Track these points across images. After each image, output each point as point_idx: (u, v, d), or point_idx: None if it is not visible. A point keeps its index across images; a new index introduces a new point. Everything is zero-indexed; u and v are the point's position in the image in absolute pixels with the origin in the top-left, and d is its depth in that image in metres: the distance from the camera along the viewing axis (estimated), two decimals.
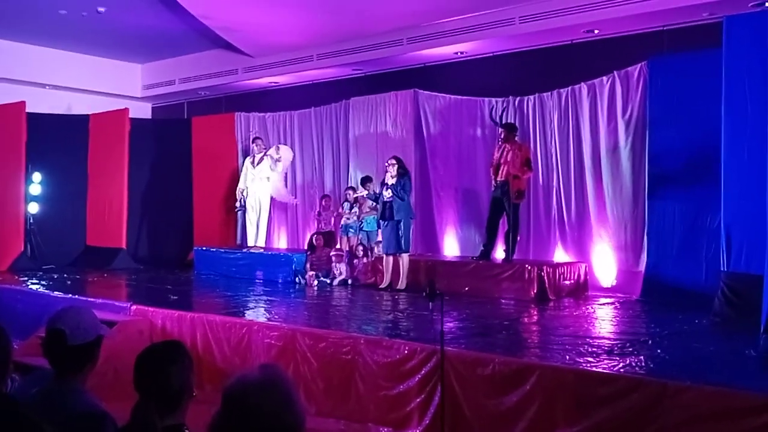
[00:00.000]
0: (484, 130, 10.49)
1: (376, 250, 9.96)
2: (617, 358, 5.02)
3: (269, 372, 1.77)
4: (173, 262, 12.81)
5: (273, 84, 13.45)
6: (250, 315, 7.34)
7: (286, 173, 12.21)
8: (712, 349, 5.62)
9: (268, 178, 11.42)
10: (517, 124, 9.87)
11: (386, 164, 9.28)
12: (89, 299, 8.27)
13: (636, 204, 9.07)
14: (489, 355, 5.12)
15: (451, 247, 10.87)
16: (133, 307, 7.68)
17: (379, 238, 10.22)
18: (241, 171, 11.92)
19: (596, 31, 9.56)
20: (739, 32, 6.95)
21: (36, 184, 12.50)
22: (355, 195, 10.59)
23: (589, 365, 4.83)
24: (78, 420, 2.42)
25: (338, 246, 10.65)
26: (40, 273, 11.24)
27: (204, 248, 11.82)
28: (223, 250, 11.50)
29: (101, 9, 11.08)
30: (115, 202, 12.38)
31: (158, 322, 7.33)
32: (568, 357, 5.10)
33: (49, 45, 13.25)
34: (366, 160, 11.68)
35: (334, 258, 10.00)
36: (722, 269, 6.97)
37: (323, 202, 11.50)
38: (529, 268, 8.48)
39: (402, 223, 8.94)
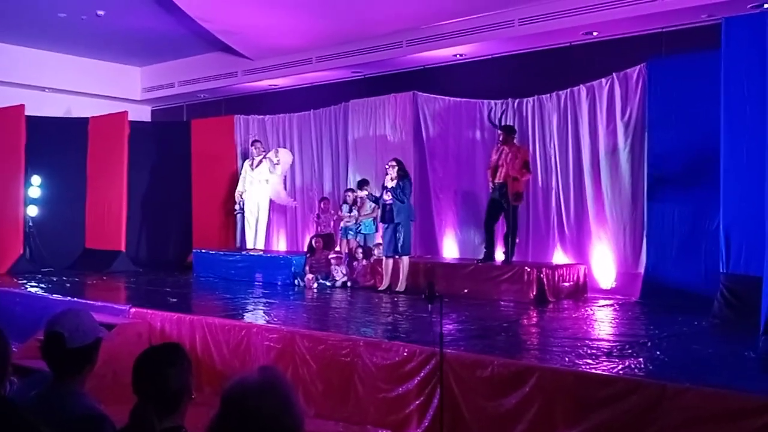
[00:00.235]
0: (484, 133, 10.50)
1: (375, 252, 9.96)
2: (616, 360, 5.02)
3: (268, 374, 1.78)
4: (172, 265, 12.81)
5: (272, 87, 13.46)
6: (249, 317, 7.33)
7: (285, 176, 12.21)
8: (712, 350, 5.61)
9: (266, 180, 11.42)
10: (516, 126, 9.89)
11: (386, 166, 9.28)
12: (88, 302, 8.25)
13: (635, 206, 9.07)
14: (488, 357, 5.12)
15: (450, 249, 10.87)
16: (132, 310, 7.68)
17: (378, 241, 10.24)
18: (241, 174, 11.93)
19: (595, 33, 9.58)
20: (738, 34, 6.96)
21: (35, 187, 12.50)
22: (355, 195, 10.58)
23: (588, 367, 4.82)
24: (77, 422, 2.42)
25: (337, 248, 10.65)
26: (39, 276, 11.23)
27: (203, 251, 11.82)
28: (222, 253, 11.50)
29: (100, 12, 11.09)
30: (114, 204, 12.38)
31: (157, 324, 7.33)
32: (567, 359, 5.10)
33: (49, 48, 13.26)
34: (365, 163, 11.69)
35: (333, 261, 10.01)
36: (721, 271, 6.97)
37: (322, 205, 11.50)
38: (529, 270, 8.48)
39: (402, 226, 8.94)
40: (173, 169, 13.31)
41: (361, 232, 10.55)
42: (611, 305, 8.25)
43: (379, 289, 9.25)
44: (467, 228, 10.69)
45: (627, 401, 4.33)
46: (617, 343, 5.75)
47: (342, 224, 10.73)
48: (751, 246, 6.71)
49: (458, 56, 10.98)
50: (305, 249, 11.00)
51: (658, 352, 5.36)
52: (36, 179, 12.49)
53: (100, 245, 12.56)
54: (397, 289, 9.01)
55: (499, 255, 9.32)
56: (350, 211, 10.63)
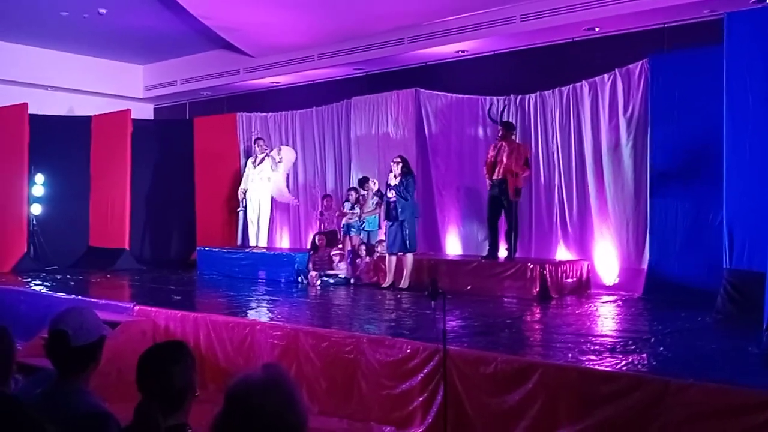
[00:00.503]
0: (486, 129, 10.50)
1: (378, 249, 9.96)
2: (620, 356, 5.03)
3: (272, 372, 1.78)
4: (176, 263, 12.84)
5: (275, 84, 13.46)
6: (252, 315, 7.35)
7: (288, 173, 12.22)
8: (715, 346, 5.61)
9: (269, 178, 11.43)
10: (518, 123, 9.92)
11: (391, 163, 9.28)
12: (92, 300, 8.28)
13: (638, 201, 9.07)
14: (491, 353, 5.12)
15: (453, 245, 10.87)
16: (136, 308, 7.69)
17: (381, 238, 10.25)
18: (244, 171, 11.94)
19: (597, 29, 9.56)
20: (740, 29, 6.94)
21: (39, 186, 12.53)
22: (357, 195, 10.58)
23: (591, 363, 4.83)
24: (81, 420, 2.42)
25: (340, 245, 10.66)
26: (43, 274, 11.26)
27: (207, 248, 11.84)
28: (225, 250, 11.52)
29: (102, 10, 11.10)
30: (118, 202, 12.39)
31: (161, 322, 7.34)
32: (570, 355, 5.10)
33: (51, 47, 13.27)
34: (367, 160, 11.69)
35: (335, 257, 10.01)
36: (725, 266, 6.96)
37: (325, 202, 11.51)
38: (532, 266, 8.48)
39: (406, 223, 8.94)
40: (176, 167, 13.33)
41: (365, 229, 10.55)
42: (614, 301, 8.25)
43: (383, 286, 9.26)
44: (470, 224, 10.69)
45: (630, 397, 4.33)
46: (620, 339, 5.75)
47: (345, 221, 10.74)
48: (754, 241, 6.70)
49: (460, 53, 10.97)
50: (308, 246, 11.00)
51: (661, 348, 5.36)
52: (39, 177, 12.52)
53: (103, 243, 12.58)
54: (400, 286, 9.02)
55: (503, 251, 9.32)
56: (352, 208, 10.64)
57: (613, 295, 8.72)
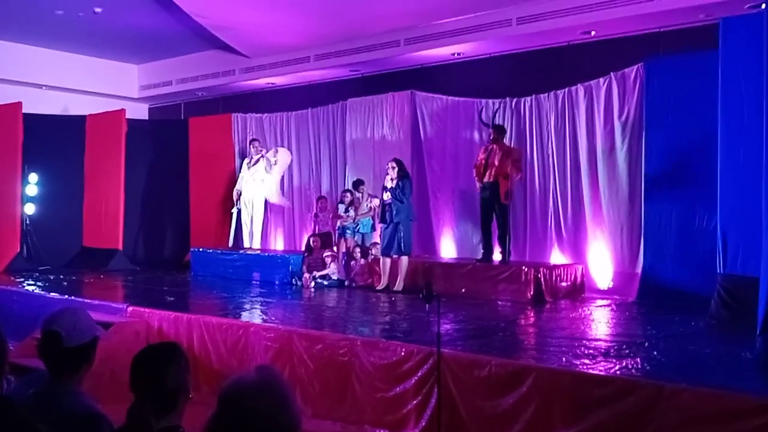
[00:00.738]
0: (481, 132, 10.50)
1: (372, 251, 9.95)
2: (614, 360, 5.03)
3: (265, 374, 1.77)
4: (170, 264, 12.81)
5: (270, 85, 13.45)
6: (246, 316, 7.33)
7: (282, 175, 12.20)
8: (708, 351, 5.62)
9: (262, 179, 11.41)
10: (513, 126, 9.97)
11: (387, 166, 9.28)
12: (85, 300, 8.26)
13: (632, 206, 9.08)
14: (486, 356, 5.12)
15: (447, 248, 10.87)
16: (130, 309, 7.67)
17: (375, 240, 10.25)
18: (239, 172, 11.93)
19: (593, 33, 9.58)
20: (736, 34, 6.96)
21: (32, 185, 12.49)
22: (352, 198, 10.57)
23: (585, 367, 4.83)
24: (74, 421, 2.41)
25: (335, 247, 10.65)
26: (37, 274, 11.22)
27: (201, 249, 11.81)
28: (219, 252, 11.50)
29: (98, 9, 11.08)
30: (112, 203, 12.35)
31: (155, 323, 7.32)
32: (564, 359, 5.10)
33: (46, 45, 13.24)
34: (363, 162, 11.69)
35: (326, 258, 9.99)
36: (718, 271, 6.97)
37: (319, 204, 11.49)
38: (526, 269, 8.48)
39: (401, 226, 8.94)
40: (171, 168, 13.30)
41: (359, 231, 10.55)
42: (608, 305, 8.26)
43: (377, 288, 9.25)
44: (465, 227, 10.69)
45: (624, 401, 4.34)
46: (614, 344, 5.76)
47: (339, 223, 10.73)
48: (748, 246, 6.71)
49: (456, 55, 10.98)
50: (303, 248, 10.99)
51: (655, 353, 5.36)
52: (33, 177, 12.48)
53: (97, 243, 12.54)
54: (394, 289, 9.02)
55: (498, 255, 9.32)
56: (346, 211, 10.63)
57: (607, 299, 8.73)
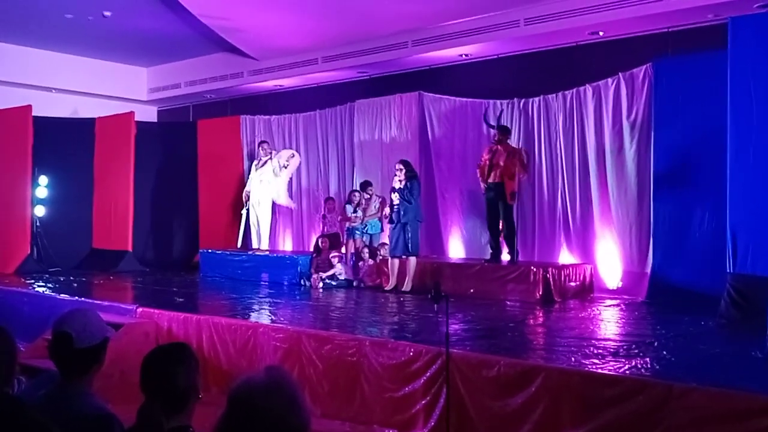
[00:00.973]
0: (489, 132, 10.49)
1: (381, 252, 9.96)
2: (623, 360, 5.02)
3: (275, 374, 1.78)
4: (179, 265, 12.86)
5: (278, 87, 13.48)
6: (255, 317, 7.35)
7: (291, 177, 12.21)
8: (718, 350, 5.61)
9: (269, 181, 11.43)
10: (521, 126, 9.97)
11: (395, 168, 9.29)
12: (95, 302, 8.29)
13: (641, 205, 9.05)
14: (494, 356, 5.12)
15: (456, 248, 10.87)
16: (139, 310, 7.70)
17: (383, 241, 10.26)
18: (249, 174, 11.97)
19: (601, 33, 9.56)
20: (745, 33, 6.93)
21: (42, 187, 12.55)
22: (360, 198, 10.59)
23: (594, 367, 4.82)
24: (85, 422, 2.43)
25: (343, 248, 10.67)
26: (47, 275, 11.28)
27: (210, 251, 11.84)
28: (228, 253, 11.52)
29: (107, 13, 11.13)
30: (121, 204, 12.41)
31: (164, 324, 7.35)
32: (573, 359, 5.09)
33: (56, 49, 13.31)
34: (371, 163, 11.70)
35: (333, 259, 10.00)
36: (728, 271, 6.94)
37: (327, 205, 11.51)
38: (535, 269, 8.47)
39: (409, 226, 8.95)
40: (180, 169, 13.35)
41: (367, 232, 10.56)
42: (617, 305, 8.24)
43: (386, 288, 9.26)
44: (473, 228, 10.69)
45: (633, 401, 4.33)
46: (624, 343, 5.75)
47: (348, 224, 10.75)
48: (758, 246, 6.69)
49: (464, 56, 10.98)
50: (311, 249, 11.01)
51: (664, 352, 5.35)
52: (43, 179, 12.54)
53: (107, 245, 12.60)
54: (403, 289, 9.02)
55: (506, 255, 9.32)
56: (355, 211, 10.65)
57: (616, 299, 8.71)
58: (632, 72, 9.11)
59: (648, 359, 5.06)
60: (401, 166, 9.15)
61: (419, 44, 10.89)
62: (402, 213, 8.97)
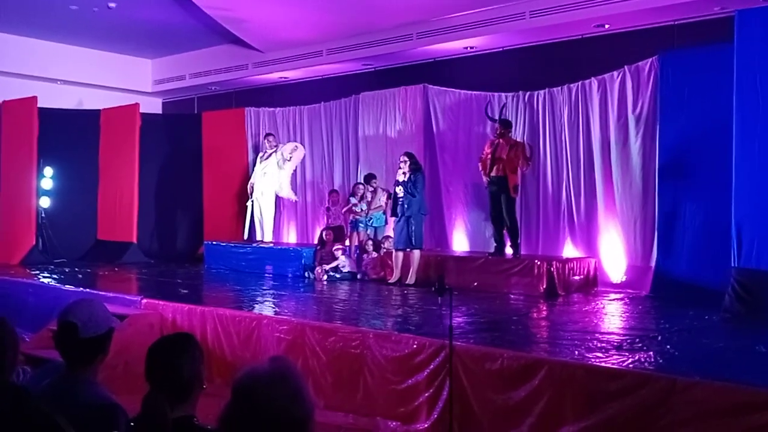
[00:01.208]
0: (494, 125, 10.47)
1: (385, 245, 9.97)
2: (627, 354, 5.02)
3: (279, 365, 1.79)
4: (183, 256, 12.89)
5: (283, 79, 13.46)
6: (259, 309, 7.37)
7: (295, 169, 12.21)
8: (722, 345, 5.60)
9: (272, 173, 11.42)
10: (526, 119, 9.96)
11: (399, 160, 9.28)
12: (100, 293, 8.31)
13: (646, 199, 9.03)
14: (498, 349, 5.12)
15: (460, 242, 10.87)
16: (144, 301, 7.73)
17: (387, 234, 10.26)
18: (254, 166, 11.98)
19: (607, 26, 9.52)
20: (751, 26, 6.91)
21: (47, 179, 12.57)
22: (364, 191, 10.59)
23: (598, 360, 4.82)
24: (89, 411, 2.44)
25: (347, 240, 10.68)
26: (52, 267, 11.31)
27: (214, 242, 11.87)
28: (233, 245, 11.55)
29: (112, 4, 11.12)
30: (126, 196, 12.45)
31: (168, 315, 7.37)
32: (577, 352, 5.10)
33: (61, 40, 13.31)
34: (375, 155, 11.69)
35: (336, 252, 10.01)
36: (733, 265, 6.94)
37: (332, 197, 11.52)
38: (539, 263, 8.47)
39: (412, 219, 8.95)
40: (184, 161, 13.37)
41: (372, 224, 10.57)
42: (621, 299, 8.24)
43: (389, 281, 9.27)
44: (477, 221, 10.67)
45: (637, 395, 4.33)
46: (627, 337, 5.74)
47: (352, 217, 10.75)
48: (763, 240, 6.68)
49: (469, 49, 10.94)
50: (315, 241, 11.02)
51: (668, 346, 5.34)
52: (48, 171, 12.56)
53: (111, 237, 12.63)
54: (407, 282, 9.03)
55: (510, 248, 9.31)
56: (358, 205, 10.64)
57: (620, 292, 8.70)
58: (638, 65, 9.08)
59: (652, 353, 5.05)
60: (405, 158, 9.14)
61: (424, 36, 10.86)
62: (406, 206, 8.97)
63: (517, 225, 9.22)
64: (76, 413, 2.35)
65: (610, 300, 8.16)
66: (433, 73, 11.42)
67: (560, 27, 9.64)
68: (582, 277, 8.86)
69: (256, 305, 7.67)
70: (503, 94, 10.35)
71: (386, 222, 10.55)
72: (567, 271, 8.63)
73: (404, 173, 9.04)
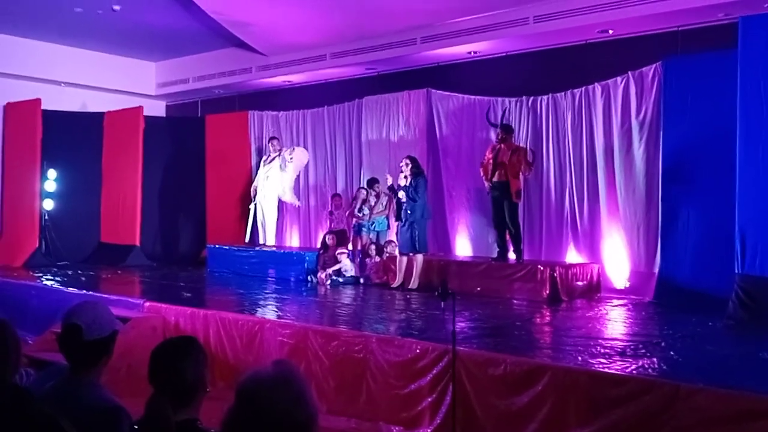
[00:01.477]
0: (497, 130, 10.48)
1: (387, 249, 9.96)
2: (630, 360, 5.01)
3: (282, 368, 1.78)
4: (186, 260, 12.90)
5: (286, 83, 13.48)
6: (262, 313, 7.36)
7: (299, 173, 12.22)
8: (726, 351, 5.59)
9: (275, 177, 11.43)
10: (529, 125, 9.97)
11: (400, 164, 9.28)
12: (103, 295, 8.33)
13: (649, 205, 9.02)
14: (501, 355, 5.12)
15: (463, 247, 10.86)
16: (147, 304, 7.73)
17: (390, 238, 10.26)
18: (258, 169, 12.00)
19: (611, 32, 9.52)
20: (755, 33, 6.90)
21: (51, 181, 12.60)
22: (367, 195, 10.60)
23: (601, 366, 4.81)
24: (93, 414, 2.44)
25: (350, 245, 10.68)
26: (55, 269, 11.33)
27: (217, 246, 11.87)
28: (236, 248, 11.55)
29: (116, 7, 11.14)
30: (129, 199, 12.46)
31: (171, 318, 7.37)
32: (580, 358, 5.09)
33: (65, 43, 13.35)
34: (378, 159, 11.69)
35: (339, 256, 10.00)
36: (736, 272, 6.92)
37: (334, 201, 11.52)
38: (542, 268, 8.45)
39: (416, 224, 8.94)
40: (187, 164, 13.39)
41: (374, 229, 10.57)
42: (625, 305, 8.22)
43: (392, 286, 9.26)
44: (480, 226, 10.67)
45: (640, 401, 4.32)
46: (631, 343, 5.73)
47: (355, 221, 10.75)
48: (767, 246, 6.66)
49: (473, 53, 10.95)
50: (318, 245, 11.02)
51: (671, 353, 5.33)
52: (52, 173, 12.59)
53: (114, 239, 12.64)
54: (410, 287, 9.02)
55: (513, 253, 9.30)
56: (360, 210, 10.64)
57: (623, 298, 8.69)
58: (641, 71, 9.08)
59: (655, 359, 5.04)
60: (407, 161, 9.14)
61: (428, 41, 10.86)
62: (409, 211, 8.97)
63: (520, 230, 9.22)
64: (80, 416, 2.35)
65: (614, 306, 8.15)
66: (436, 77, 11.43)
67: (564, 32, 9.64)
68: (585, 282, 8.85)
69: (258, 309, 7.67)
70: (507, 99, 10.35)
71: (389, 226, 10.55)
72: (570, 277, 8.62)
73: (406, 177, 9.04)
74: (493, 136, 10.46)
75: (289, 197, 11.80)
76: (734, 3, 8.08)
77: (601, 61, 9.72)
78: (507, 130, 9.28)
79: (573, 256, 9.68)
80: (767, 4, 8.04)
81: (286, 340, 6.36)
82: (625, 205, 9.23)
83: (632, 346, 5.57)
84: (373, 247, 10.13)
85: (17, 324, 2.78)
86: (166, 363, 2.40)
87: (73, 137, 12.65)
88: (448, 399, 5.11)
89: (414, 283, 9.02)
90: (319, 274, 9.96)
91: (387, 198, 10.46)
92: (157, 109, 15.27)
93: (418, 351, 5.47)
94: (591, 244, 9.59)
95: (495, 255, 9.36)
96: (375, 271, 9.86)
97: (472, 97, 10.85)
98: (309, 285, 9.87)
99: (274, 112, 13.49)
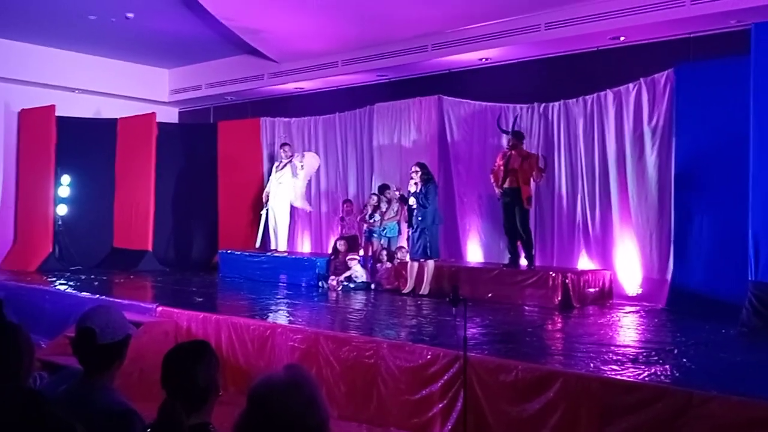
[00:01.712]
0: (508, 137, 10.47)
1: (398, 255, 9.96)
2: (642, 367, 4.98)
3: (294, 372, 1.79)
4: (198, 265, 12.94)
5: (298, 89, 13.52)
6: (273, 318, 7.38)
7: (310, 179, 12.24)
8: (739, 359, 5.55)
9: (286, 183, 11.46)
10: (541, 131, 9.96)
11: (410, 171, 9.29)
12: (116, 300, 8.37)
13: (662, 212, 8.99)
14: (512, 361, 5.10)
15: (474, 253, 10.85)
16: (159, 309, 7.76)
17: (401, 244, 10.27)
18: (270, 175, 12.03)
19: (622, 38, 9.50)
20: None
21: (65, 187, 12.68)
22: (378, 201, 10.61)
23: (613, 373, 4.79)
24: (106, 417, 2.45)
25: (361, 250, 10.69)
26: (68, 274, 11.40)
27: (229, 251, 11.91)
28: (247, 254, 11.58)
29: (130, 15, 11.23)
30: (142, 204, 12.52)
31: (183, 323, 7.40)
32: (592, 365, 5.07)
33: (79, 50, 13.44)
34: (390, 166, 11.71)
35: (350, 262, 10.01)
36: (750, 278, 6.88)
37: (346, 207, 11.54)
38: (553, 275, 8.43)
39: (426, 230, 8.94)
40: (200, 170, 13.45)
41: (385, 234, 10.57)
42: (637, 312, 8.18)
43: (403, 291, 9.26)
44: (491, 232, 10.66)
45: (653, 408, 4.30)
46: (643, 350, 5.70)
47: (366, 227, 10.77)
48: None
49: (484, 60, 10.95)
50: (329, 251, 11.04)
51: (684, 360, 5.30)
52: (66, 179, 12.68)
53: (127, 244, 12.70)
54: (421, 293, 9.02)
55: (525, 260, 9.28)
56: (372, 216, 10.65)
57: (635, 305, 8.64)
58: (653, 77, 9.05)
59: (668, 366, 5.02)
60: (417, 168, 9.15)
61: (439, 48, 10.88)
62: (420, 218, 8.97)
63: (531, 237, 9.21)
64: (93, 419, 2.36)
65: (626, 312, 8.11)
66: (447, 84, 11.43)
67: (576, 39, 9.63)
68: (597, 289, 8.82)
69: (270, 314, 7.68)
70: (518, 106, 10.35)
71: (400, 232, 10.56)
72: (582, 284, 8.59)
73: (416, 183, 9.05)
74: (504, 142, 10.49)
75: (300, 203, 11.82)
76: (747, 10, 8.05)
77: (612, 67, 9.70)
78: (518, 136, 9.29)
79: (585, 262, 9.65)
80: None
81: (297, 345, 6.37)
82: (637, 212, 9.20)
83: (644, 353, 5.54)
84: (384, 252, 10.14)
85: (31, 328, 2.80)
86: (179, 367, 2.42)
87: (86, 143, 12.73)
88: (459, 405, 5.10)
89: (425, 289, 9.02)
90: (330, 279, 9.97)
91: (398, 204, 10.47)
92: (170, 115, 15.35)
93: (429, 357, 5.46)
94: (603, 250, 9.55)
95: (506, 261, 9.35)
96: (386, 277, 9.87)
97: (484, 103, 10.85)
98: (320, 290, 9.88)
99: (286, 119, 13.54)
